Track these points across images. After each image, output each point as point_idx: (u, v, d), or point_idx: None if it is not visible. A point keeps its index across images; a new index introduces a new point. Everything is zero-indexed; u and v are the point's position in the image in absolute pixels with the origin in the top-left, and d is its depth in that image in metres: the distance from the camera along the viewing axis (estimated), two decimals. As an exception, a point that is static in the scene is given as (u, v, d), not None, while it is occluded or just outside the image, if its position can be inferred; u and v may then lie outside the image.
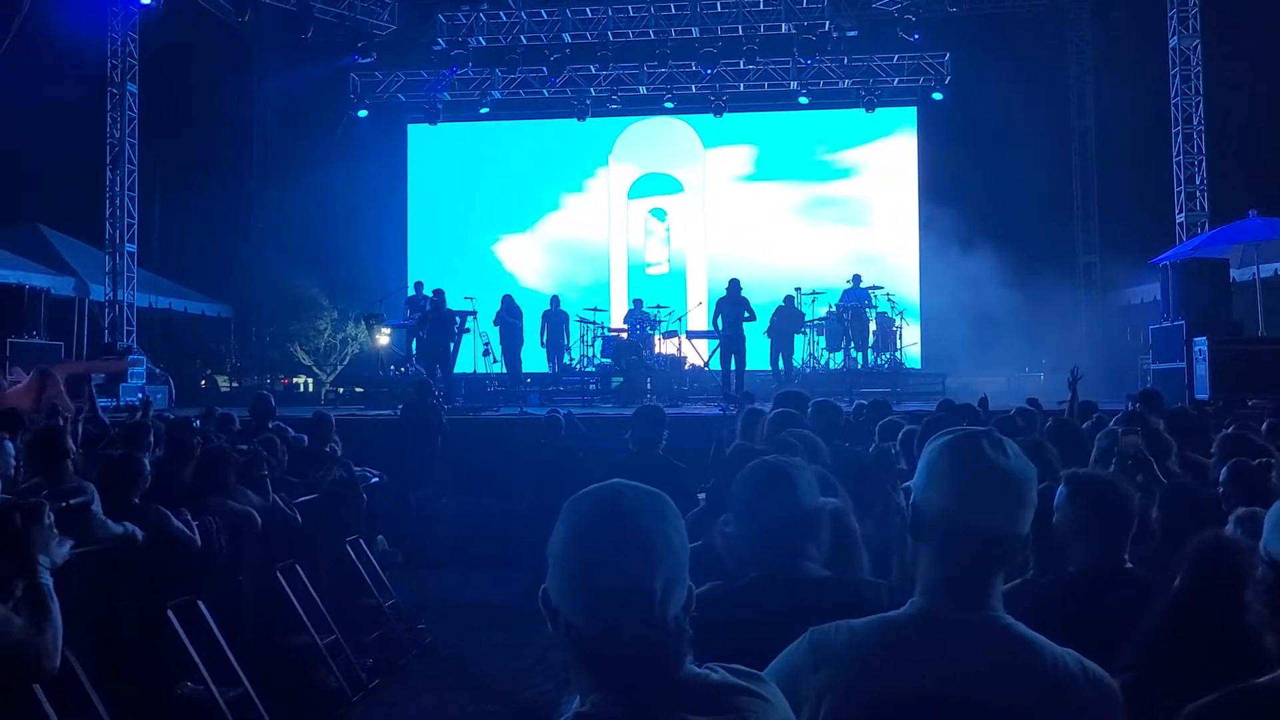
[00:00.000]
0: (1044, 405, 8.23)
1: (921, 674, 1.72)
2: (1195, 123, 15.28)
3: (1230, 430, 5.05)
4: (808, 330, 17.43)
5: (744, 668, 1.57)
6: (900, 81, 19.95)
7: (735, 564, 2.44)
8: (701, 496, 4.39)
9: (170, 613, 5.56)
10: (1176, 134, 15.36)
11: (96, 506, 5.03)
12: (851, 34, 18.64)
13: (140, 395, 6.45)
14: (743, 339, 14.03)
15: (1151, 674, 2.03)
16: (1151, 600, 2.41)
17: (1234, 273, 13.25)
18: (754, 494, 2.45)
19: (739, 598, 2.32)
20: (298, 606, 6.76)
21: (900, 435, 5.27)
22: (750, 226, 20.43)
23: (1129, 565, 2.88)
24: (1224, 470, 4.05)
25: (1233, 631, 2.09)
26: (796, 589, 2.28)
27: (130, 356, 15.93)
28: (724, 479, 3.85)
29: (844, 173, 20.49)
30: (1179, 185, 15.35)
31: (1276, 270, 14.10)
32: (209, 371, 20.10)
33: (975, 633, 1.75)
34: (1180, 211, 15.36)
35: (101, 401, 14.64)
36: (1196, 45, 15.24)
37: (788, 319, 15.66)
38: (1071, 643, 1.80)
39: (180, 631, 5.55)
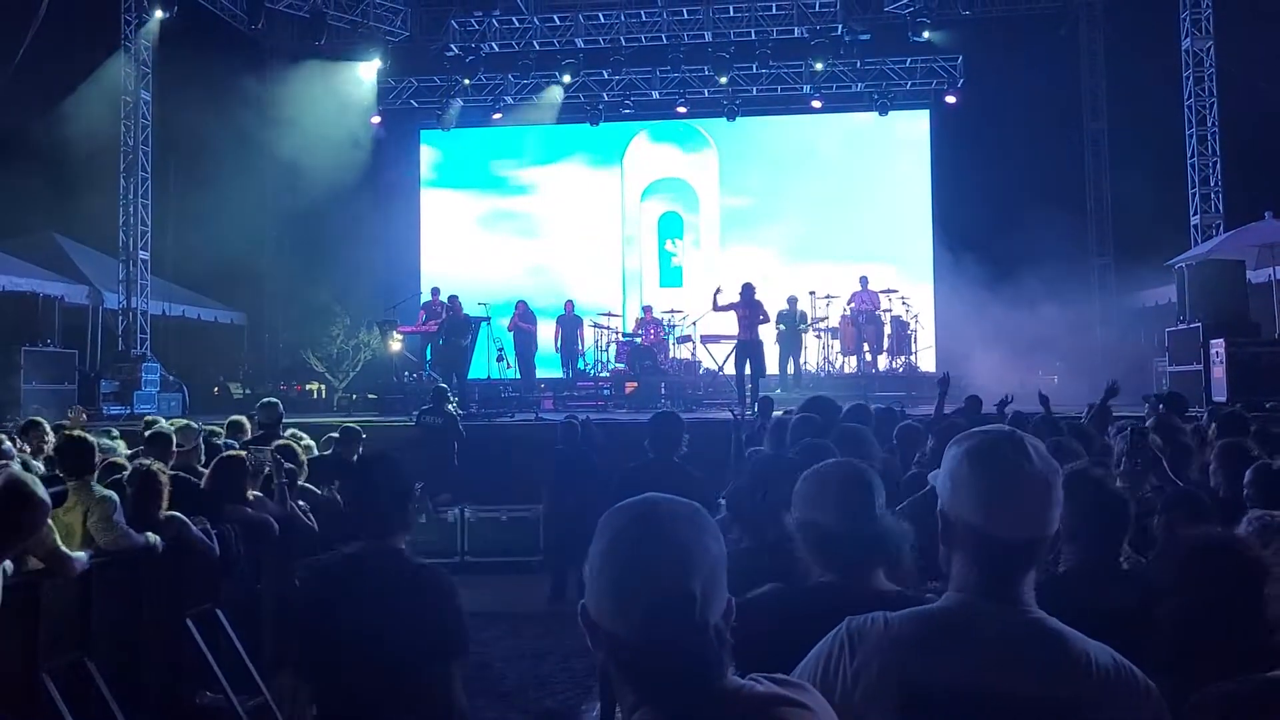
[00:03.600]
0: (1056, 409, 8.21)
1: (955, 665, 1.75)
2: (1209, 124, 15.21)
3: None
4: (821, 334, 17.43)
5: (788, 677, 1.57)
6: (913, 85, 19.91)
7: (795, 569, 2.43)
8: (722, 503, 4.35)
9: (189, 621, 5.58)
10: (1190, 136, 15.29)
11: (119, 516, 5.04)
12: (864, 37, 18.61)
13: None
14: (760, 343, 13.98)
15: (1158, 673, 2.03)
16: (1144, 599, 2.41)
17: (1250, 274, 13.17)
18: (838, 495, 2.42)
19: (801, 604, 2.31)
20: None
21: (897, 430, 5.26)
22: (763, 230, 20.39)
23: (1124, 565, 2.88)
24: (1248, 473, 4.04)
25: (1237, 630, 2.09)
26: (869, 599, 2.28)
27: (144, 364, 15.98)
28: (746, 485, 3.83)
29: (856, 177, 20.43)
30: (1193, 187, 15.28)
31: (1293, 272, 14.00)
32: (221, 379, 20.09)
33: (1009, 626, 1.77)
34: (1195, 213, 15.29)
35: (114, 410, 14.82)
36: (1210, 47, 15.18)
37: (792, 322, 15.61)
38: None
39: (199, 640, 5.56)
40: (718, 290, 14.60)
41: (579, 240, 21.07)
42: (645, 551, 1.44)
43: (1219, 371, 11.66)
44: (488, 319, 16.27)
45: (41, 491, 3.89)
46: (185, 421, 8.30)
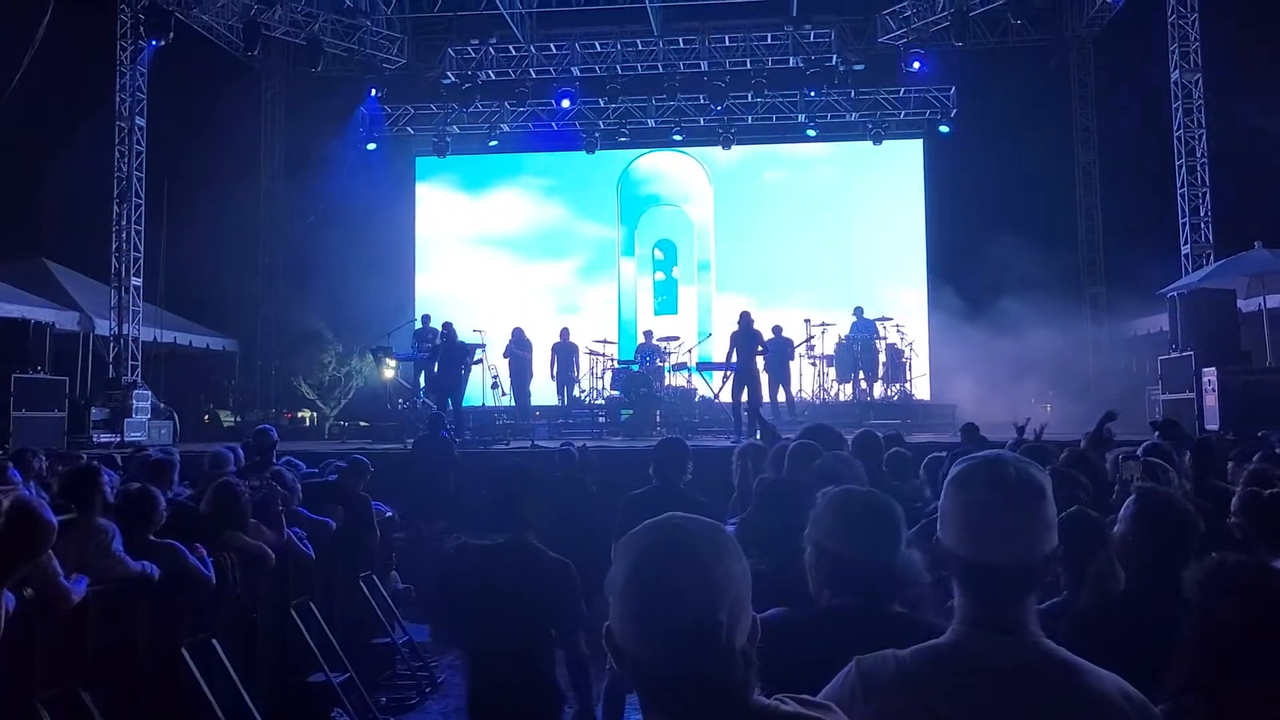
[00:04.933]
0: (1050, 435, 8.20)
1: (967, 700, 1.74)
2: (1199, 155, 15.32)
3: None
4: (817, 362, 17.43)
5: (813, 698, 1.56)
6: (907, 115, 20.07)
7: (813, 586, 2.42)
8: (731, 528, 4.32)
9: (185, 650, 5.51)
10: (1180, 166, 15.40)
11: (117, 544, 4.99)
12: (858, 68, 18.76)
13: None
14: (756, 372, 13.97)
15: (1196, 699, 2.00)
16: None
17: (1241, 304, 13.25)
18: (856, 522, 2.42)
19: (813, 627, 2.30)
20: (312, 644, 6.71)
21: (925, 462, 5.25)
22: (758, 258, 20.45)
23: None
24: (1235, 501, 4.05)
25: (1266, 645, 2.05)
26: (880, 623, 2.26)
27: (135, 392, 15.90)
28: (757, 511, 3.81)
29: (850, 206, 20.51)
30: (1183, 217, 15.38)
31: (1283, 301, 14.08)
32: (211, 406, 20.01)
33: (1016, 658, 1.76)
34: (1186, 243, 15.38)
35: (104, 437, 14.72)
36: (1198, 79, 15.31)
37: (780, 349, 15.55)
38: (1116, 664, 1.80)
39: (194, 670, 5.49)
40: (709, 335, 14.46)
41: (575, 267, 21.10)
42: (669, 577, 1.42)
43: (1211, 399, 11.71)
44: (483, 346, 16.24)
45: (49, 514, 3.88)
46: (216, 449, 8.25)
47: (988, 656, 1.76)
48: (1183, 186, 15.39)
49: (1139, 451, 5.57)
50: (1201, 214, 15.34)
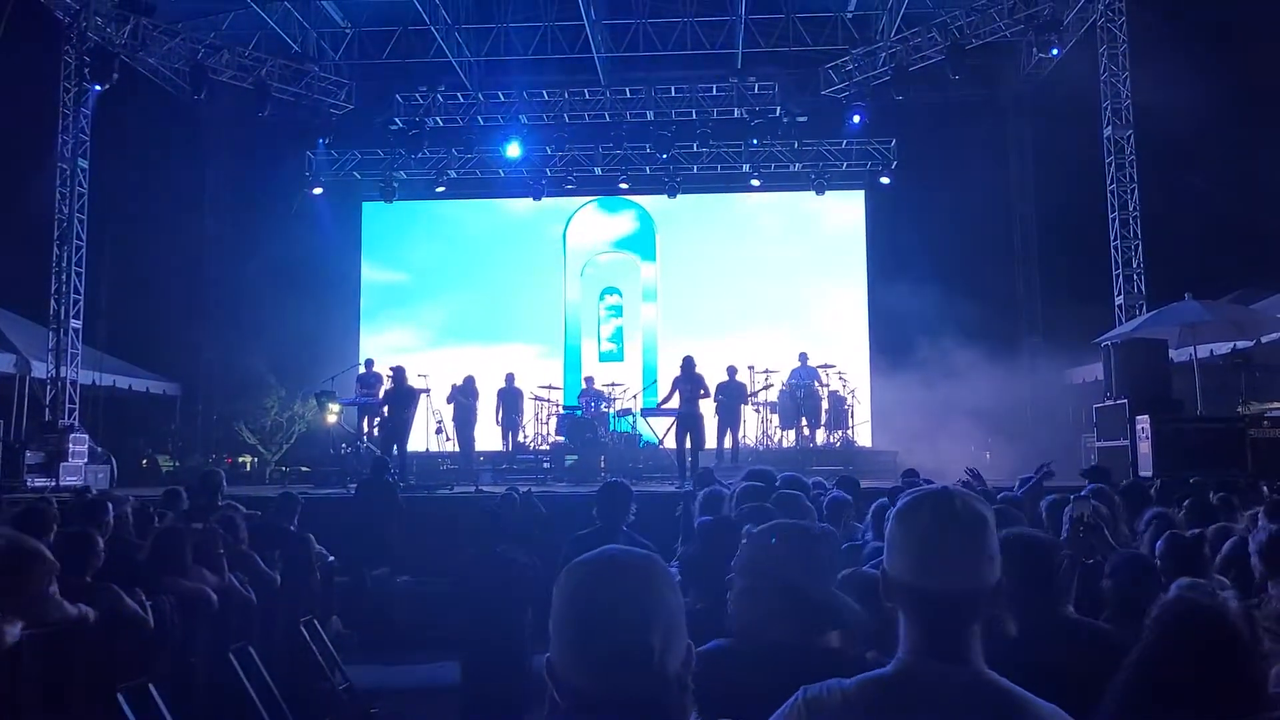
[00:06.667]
0: (990, 482, 8.37)
1: None
2: (1131, 209, 15.77)
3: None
4: (760, 409, 17.56)
5: None
6: (849, 165, 20.48)
7: (743, 624, 2.44)
8: (674, 568, 4.36)
9: (121, 696, 5.41)
10: (1113, 219, 15.83)
11: (53, 588, 4.91)
12: (801, 119, 19.12)
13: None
14: (699, 416, 14.04)
15: None
16: (1106, 659, 2.44)
17: (1172, 353, 13.59)
18: (775, 554, 2.45)
19: (759, 661, 2.33)
20: (250, 689, 6.60)
21: (873, 508, 5.34)
22: (702, 306, 20.64)
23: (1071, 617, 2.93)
24: (1159, 544, 4.19)
25: (1210, 687, 2.12)
26: (818, 657, 2.29)
27: (72, 435, 15.58)
28: (696, 549, 3.86)
29: (794, 255, 20.82)
30: (1116, 268, 15.78)
31: (1212, 351, 14.47)
32: (150, 451, 19.64)
33: (960, 687, 1.79)
34: (1119, 294, 15.78)
35: (39, 481, 14.41)
36: (1130, 135, 15.81)
37: (732, 394, 15.63)
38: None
39: (130, 715, 5.39)
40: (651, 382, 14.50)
41: (520, 313, 21.13)
42: (603, 605, 1.47)
43: (1145, 446, 11.96)
44: (427, 391, 16.17)
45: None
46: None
47: (933, 686, 1.80)
48: (1116, 239, 15.81)
49: (1085, 493, 5.75)
50: (1134, 265, 15.75)
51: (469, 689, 6.64)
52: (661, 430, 16.43)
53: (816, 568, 2.42)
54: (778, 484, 5.24)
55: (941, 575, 1.82)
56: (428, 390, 16.11)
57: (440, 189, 20.98)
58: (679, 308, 20.95)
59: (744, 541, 2.56)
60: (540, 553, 6.92)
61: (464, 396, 16.35)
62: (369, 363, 17.31)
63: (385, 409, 14.92)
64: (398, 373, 14.84)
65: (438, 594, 10.67)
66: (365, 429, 16.42)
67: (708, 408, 14.51)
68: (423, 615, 10.53)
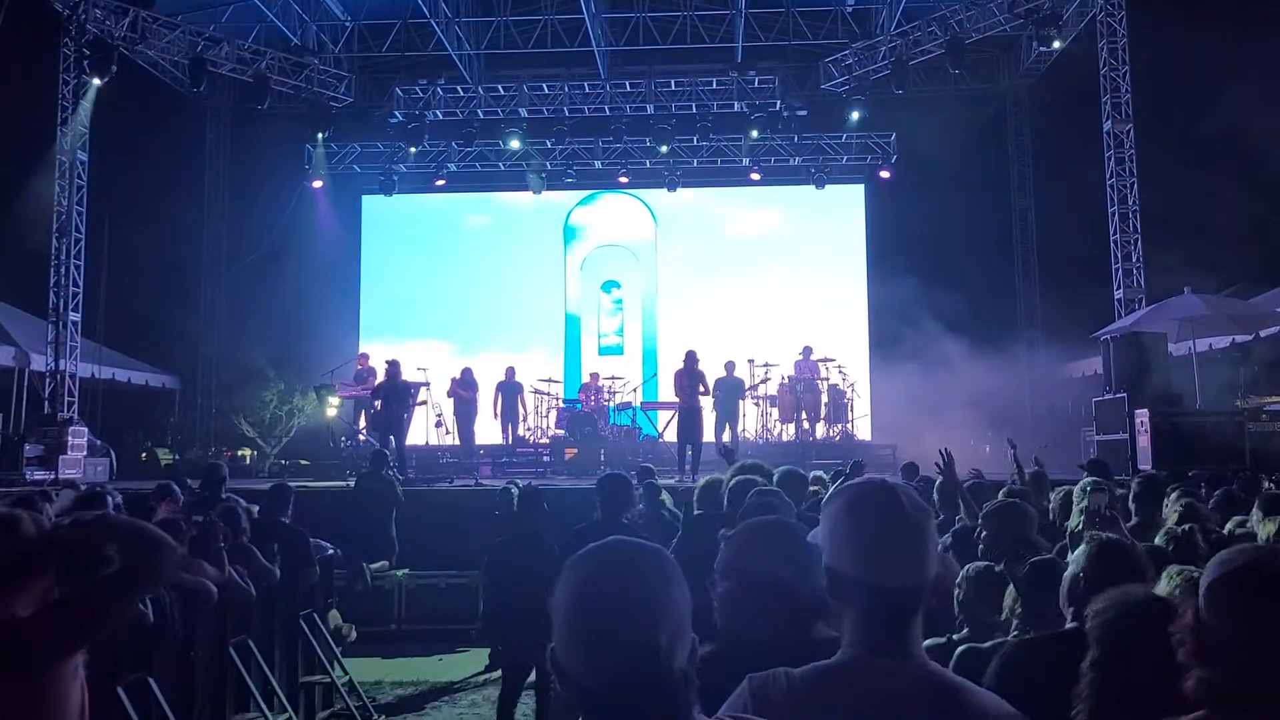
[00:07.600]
0: (989, 476, 8.36)
1: (854, 718, 1.78)
2: (1130, 203, 15.77)
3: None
4: (760, 402, 17.56)
5: (753, 718, 1.61)
6: (849, 159, 20.47)
7: (731, 625, 2.42)
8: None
9: (121, 691, 5.41)
10: (1113, 214, 15.83)
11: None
12: (801, 113, 19.11)
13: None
14: (700, 411, 14.04)
15: None
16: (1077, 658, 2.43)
17: (1171, 347, 13.59)
18: (762, 551, 2.44)
19: (752, 660, 2.32)
20: (250, 683, 6.61)
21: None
22: (703, 300, 20.63)
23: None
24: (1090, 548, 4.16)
25: (1156, 682, 2.12)
26: (808, 648, 2.29)
27: (71, 428, 15.58)
28: (688, 540, 3.86)
29: (793, 248, 20.81)
30: (1116, 262, 15.78)
31: (1211, 345, 14.47)
32: (149, 444, 19.63)
33: (902, 677, 1.81)
34: (1118, 288, 15.77)
35: (38, 474, 14.40)
36: (1129, 129, 15.81)
37: (729, 388, 15.62)
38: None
39: (131, 711, 5.39)
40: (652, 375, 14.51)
41: (520, 306, 21.12)
42: (610, 600, 1.45)
43: (1144, 440, 11.95)
44: (426, 384, 16.15)
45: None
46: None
47: (877, 677, 1.81)
48: (1115, 233, 15.81)
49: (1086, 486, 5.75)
50: (1134, 259, 15.75)
51: (506, 671, 6.51)
52: (661, 424, 16.47)
53: (798, 560, 2.40)
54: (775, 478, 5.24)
55: (890, 571, 1.83)
56: (427, 384, 16.09)
57: (440, 182, 20.96)
58: (678, 301, 20.93)
59: (721, 545, 2.54)
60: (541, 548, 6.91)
61: (462, 389, 16.36)
62: (363, 356, 17.28)
63: (376, 403, 14.71)
64: (392, 366, 14.65)
65: (437, 587, 10.70)
66: (361, 423, 16.39)
67: (707, 402, 14.50)
68: (422, 608, 10.56)
